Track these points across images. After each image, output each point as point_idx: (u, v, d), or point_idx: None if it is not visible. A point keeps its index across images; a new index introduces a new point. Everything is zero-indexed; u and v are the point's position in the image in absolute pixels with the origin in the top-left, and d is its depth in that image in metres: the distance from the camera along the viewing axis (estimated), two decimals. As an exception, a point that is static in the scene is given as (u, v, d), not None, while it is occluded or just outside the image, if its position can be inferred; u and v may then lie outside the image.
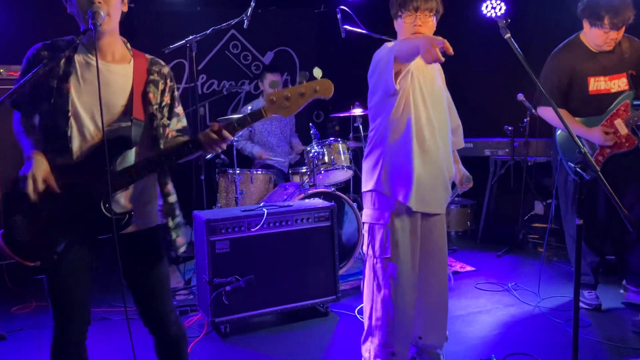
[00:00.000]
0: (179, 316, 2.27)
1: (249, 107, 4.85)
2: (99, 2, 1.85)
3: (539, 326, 3.44)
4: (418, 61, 2.57)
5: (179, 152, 1.96)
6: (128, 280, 2.10)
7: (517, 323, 3.50)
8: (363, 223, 2.78)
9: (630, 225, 3.45)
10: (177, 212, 2.12)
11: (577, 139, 2.29)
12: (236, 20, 4.22)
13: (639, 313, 3.36)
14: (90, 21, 1.81)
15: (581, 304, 3.56)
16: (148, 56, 2.11)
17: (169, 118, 2.12)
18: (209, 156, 4.57)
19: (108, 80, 1.95)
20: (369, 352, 2.76)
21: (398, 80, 2.48)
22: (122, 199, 2.01)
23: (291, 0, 6.06)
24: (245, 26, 4.25)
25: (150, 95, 2.03)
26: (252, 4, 4.24)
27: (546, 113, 3.52)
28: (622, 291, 3.77)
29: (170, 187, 2.11)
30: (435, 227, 2.76)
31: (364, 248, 2.79)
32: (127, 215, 1.96)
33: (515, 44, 2.34)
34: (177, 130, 2.15)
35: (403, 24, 2.61)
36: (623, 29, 3.32)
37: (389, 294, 2.65)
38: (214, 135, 1.93)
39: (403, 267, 2.63)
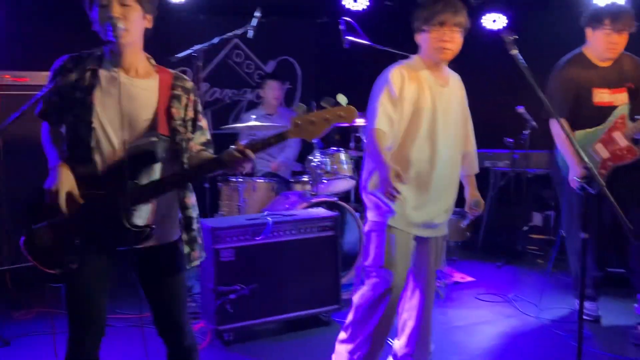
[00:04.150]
0: (192, 328, 2.28)
1: (253, 116, 4.87)
2: (117, 17, 1.88)
3: (540, 337, 3.48)
4: (431, 79, 2.60)
5: (204, 169, 2.01)
6: (147, 292, 2.13)
7: (518, 334, 3.53)
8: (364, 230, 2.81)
9: (635, 239, 3.50)
10: (194, 226, 2.12)
11: (582, 153, 2.33)
12: (241, 30, 4.25)
13: (637, 326, 3.39)
14: (110, 34, 1.84)
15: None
16: (172, 71, 2.12)
17: (193, 132, 2.13)
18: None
19: (132, 95, 1.97)
20: (340, 356, 2.79)
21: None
22: (144, 213, 2.03)
23: (294, 10, 6.11)
24: (249, 36, 4.29)
25: (174, 110, 2.04)
26: (257, 14, 4.28)
27: (553, 126, 3.56)
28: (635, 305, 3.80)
29: (188, 200, 2.11)
30: (430, 249, 2.77)
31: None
32: (148, 229, 1.97)
33: (521, 59, 2.38)
34: (202, 144, 2.16)
35: (429, 39, 2.55)
36: (625, 36, 3.43)
37: (372, 300, 2.65)
38: (238, 155, 1.94)
39: (392, 277, 2.61)
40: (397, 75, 2.56)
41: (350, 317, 2.78)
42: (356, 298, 2.76)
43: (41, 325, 3.60)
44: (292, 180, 4.94)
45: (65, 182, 1.90)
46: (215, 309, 3.27)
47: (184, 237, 2.09)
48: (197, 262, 2.13)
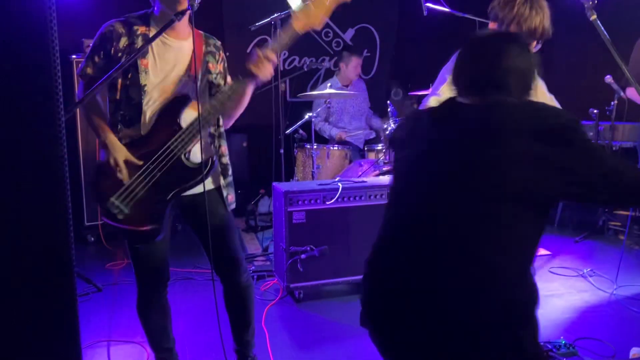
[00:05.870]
0: (248, 267, 2.45)
1: (329, 84, 4.96)
2: None
3: (613, 313, 3.39)
4: None
5: (237, 90, 2.08)
6: (200, 235, 2.27)
7: (590, 309, 3.46)
8: None
9: None
10: (229, 172, 2.32)
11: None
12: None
13: None
14: (188, 2, 1.97)
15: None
16: (201, 32, 2.27)
17: (224, 85, 2.30)
18: (288, 131, 4.75)
19: (179, 57, 2.13)
20: None
21: None
22: (198, 151, 2.09)
23: (374, -23, 6.06)
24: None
25: (210, 65, 2.23)
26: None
27: (634, 93, 3.42)
28: None
29: (224, 148, 2.30)
30: None
31: None
32: (210, 161, 2.10)
33: (601, 26, 2.30)
34: None
35: None
36: None
37: None
38: (261, 58, 2.02)
39: None
40: None
41: None
42: None
43: (129, 275, 3.91)
44: (366, 149, 5.00)
45: (119, 151, 2.04)
46: (287, 268, 3.44)
47: (222, 182, 2.28)
48: (232, 206, 2.32)
